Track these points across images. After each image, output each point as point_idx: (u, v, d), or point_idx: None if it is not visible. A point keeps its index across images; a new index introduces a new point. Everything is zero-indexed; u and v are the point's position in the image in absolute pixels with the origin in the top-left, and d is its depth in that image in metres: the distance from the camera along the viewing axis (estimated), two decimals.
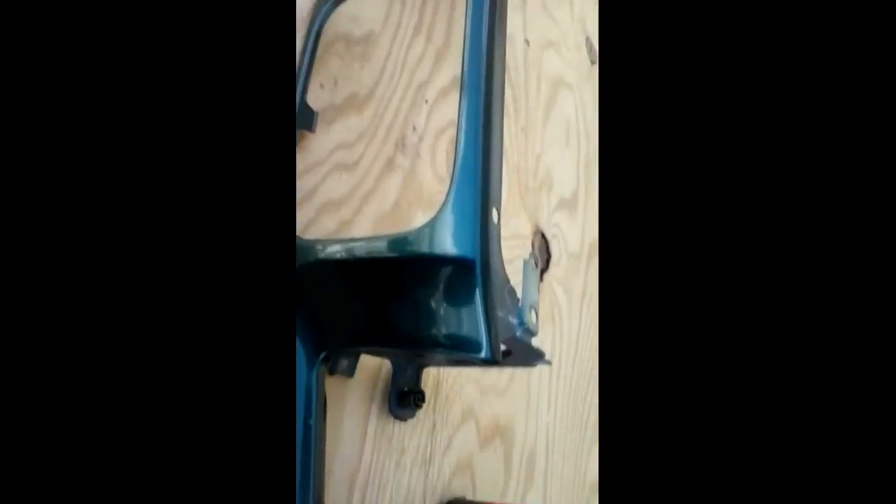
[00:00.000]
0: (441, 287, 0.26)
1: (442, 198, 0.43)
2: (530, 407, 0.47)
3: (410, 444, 0.36)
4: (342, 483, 0.31)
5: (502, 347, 0.27)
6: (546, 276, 0.54)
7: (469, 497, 0.38)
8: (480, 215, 0.26)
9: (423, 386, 0.36)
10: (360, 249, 0.27)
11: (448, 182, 0.45)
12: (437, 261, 0.26)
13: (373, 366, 0.34)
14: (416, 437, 0.36)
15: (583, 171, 0.65)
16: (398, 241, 0.27)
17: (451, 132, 0.47)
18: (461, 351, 0.26)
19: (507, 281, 0.28)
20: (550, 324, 0.52)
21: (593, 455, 0.54)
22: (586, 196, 0.64)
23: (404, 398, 0.34)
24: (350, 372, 0.32)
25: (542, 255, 0.55)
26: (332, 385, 0.31)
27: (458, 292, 0.26)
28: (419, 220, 0.42)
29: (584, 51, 0.73)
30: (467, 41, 0.30)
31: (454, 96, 0.48)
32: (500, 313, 0.26)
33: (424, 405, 0.36)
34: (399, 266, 0.27)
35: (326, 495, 0.28)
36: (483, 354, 0.25)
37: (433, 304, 0.27)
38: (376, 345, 0.28)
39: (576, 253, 0.60)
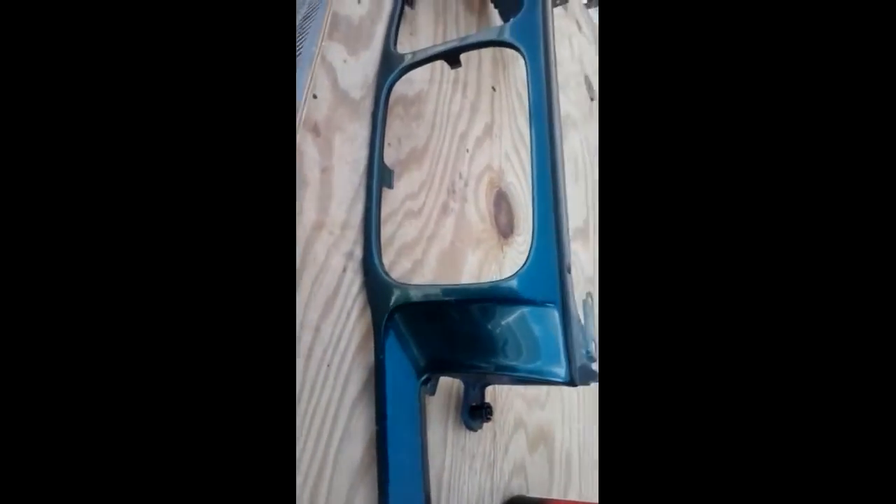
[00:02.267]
0: (529, 327, 0.32)
1: (485, 234, 0.49)
2: (565, 416, 0.53)
3: (479, 450, 0.42)
4: (433, 482, 0.37)
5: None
6: (597, 351, 0.60)
7: (524, 494, 0.44)
8: (559, 269, 0.31)
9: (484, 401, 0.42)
10: (456, 293, 0.33)
11: (489, 219, 0.51)
12: (525, 304, 0.31)
13: (447, 385, 0.40)
14: (483, 444, 0.42)
15: (591, 203, 0.72)
16: (492, 288, 0.32)
17: (487, 177, 0.53)
18: (546, 377, 0.32)
19: (580, 321, 0.34)
20: None
21: None
22: (595, 224, 0.71)
23: (475, 412, 0.40)
24: (432, 391, 0.38)
25: None
26: None
27: (544, 331, 0.31)
28: (469, 256, 0.48)
29: (584, 88, 0.81)
30: (532, 106, 0.35)
31: (487, 144, 0.55)
32: (575, 348, 0.32)
33: None
34: (491, 309, 0.32)
35: None
36: (565, 379, 0.31)
37: (522, 340, 0.32)
38: (475, 371, 0.34)
39: (590, 277, 0.66)
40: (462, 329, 0.33)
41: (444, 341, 0.34)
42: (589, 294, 0.36)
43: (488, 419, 0.41)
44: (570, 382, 0.31)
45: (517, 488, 0.44)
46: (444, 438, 0.39)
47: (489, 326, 0.32)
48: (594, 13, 1.06)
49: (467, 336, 0.33)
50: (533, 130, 0.34)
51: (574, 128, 0.74)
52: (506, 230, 0.53)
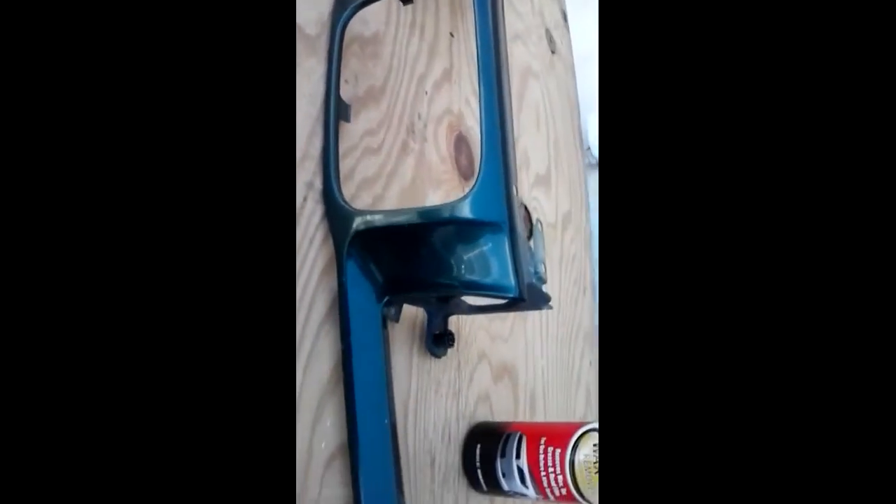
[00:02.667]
0: (478, 245, 0.33)
1: (445, 175, 0.50)
2: (528, 352, 0.55)
3: (444, 377, 0.43)
4: (399, 406, 0.38)
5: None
6: (546, 273, 0.62)
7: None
8: (505, 189, 0.33)
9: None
10: (411, 218, 0.34)
11: (449, 161, 0.52)
12: (474, 224, 0.33)
13: (411, 315, 0.41)
14: (448, 372, 0.43)
15: (552, 152, 0.73)
16: (442, 210, 0.33)
17: (447, 119, 0.54)
18: (497, 292, 0.33)
19: (526, 240, 0.35)
20: None
21: (580, 394, 0.63)
22: (556, 174, 0.73)
23: (439, 339, 0.41)
24: (396, 318, 0.39)
25: (526, 224, 0.63)
26: None
27: (492, 248, 0.33)
28: (430, 195, 0.49)
29: (545, 42, 0.81)
30: (479, 46, 0.36)
31: (446, 87, 0.55)
32: (523, 264, 0.33)
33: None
34: (444, 230, 0.33)
35: None
36: (513, 294, 0.33)
37: (472, 258, 0.34)
38: (430, 291, 0.35)
39: (552, 223, 0.68)
40: (418, 250, 0.34)
41: (401, 263, 0.34)
42: (539, 220, 0.37)
43: (451, 345, 0.42)
44: (520, 297, 0.32)
45: (482, 416, 0.46)
46: (409, 365, 0.40)
47: (442, 247, 0.33)
48: None
49: (423, 257, 0.34)
50: (480, 54, 0.35)
51: (535, 78, 0.74)
52: (466, 172, 0.53)
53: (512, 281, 0.32)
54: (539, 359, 0.56)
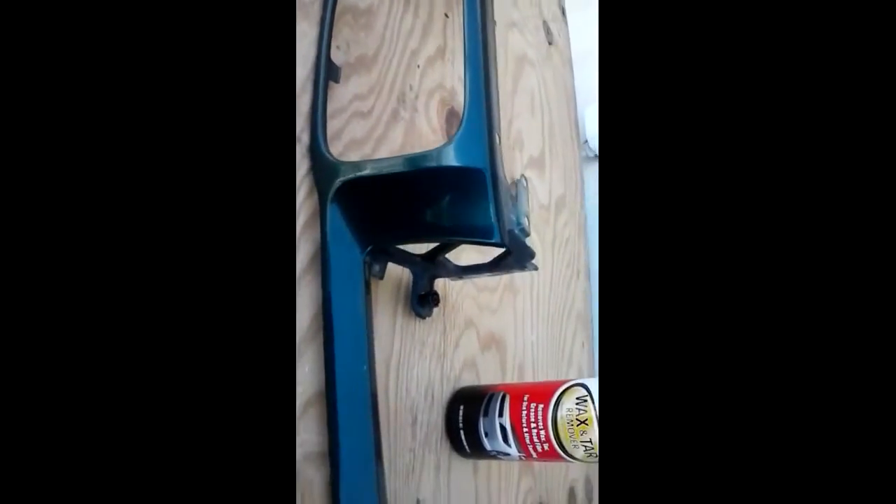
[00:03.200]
0: (461, 192, 0.34)
1: (435, 145, 0.50)
2: (517, 326, 0.55)
3: (428, 339, 0.43)
4: (381, 363, 0.38)
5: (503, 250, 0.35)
6: (530, 227, 0.62)
7: None
8: (488, 136, 0.33)
9: None
10: (394, 166, 0.34)
11: (440, 132, 0.52)
12: (457, 170, 0.33)
13: (396, 274, 0.41)
14: (433, 334, 0.43)
15: (547, 137, 0.74)
16: (425, 157, 0.34)
17: (439, 93, 0.55)
18: (479, 237, 0.34)
19: (508, 188, 0.35)
20: None
21: (571, 372, 0.62)
22: (551, 158, 0.73)
23: (423, 299, 0.42)
24: (381, 275, 0.39)
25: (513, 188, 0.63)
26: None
27: (475, 193, 0.33)
28: None
29: (542, 33, 0.82)
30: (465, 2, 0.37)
31: (439, 64, 0.56)
32: (504, 209, 0.33)
33: (436, 310, 0.44)
34: (426, 177, 0.34)
35: None
36: (496, 238, 0.33)
37: (455, 204, 0.34)
38: (412, 238, 0.35)
39: (545, 205, 0.68)
40: (401, 198, 0.34)
41: (384, 210, 0.35)
42: (523, 176, 0.37)
43: (436, 304, 0.42)
44: (501, 242, 0.32)
45: (468, 381, 0.46)
46: (392, 324, 0.40)
47: (425, 193, 0.34)
48: None
49: (406, 204, 0.34)
50: (465, 7, 0.36)
51: (531, 67, 0.75)
52: None
53: (493, 224, 0.32)
54: (529, 334, 0.56)
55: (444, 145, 0.33)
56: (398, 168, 0.34)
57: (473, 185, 0.33)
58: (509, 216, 0.33)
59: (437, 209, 0.34)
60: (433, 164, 0.33)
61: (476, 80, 0.34)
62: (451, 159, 0.33)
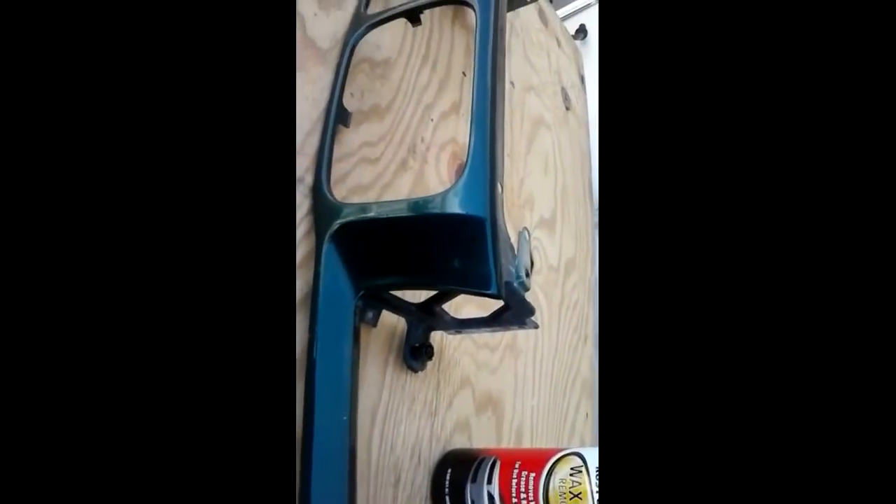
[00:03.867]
0: (460, 239, 0.33)
1: None
2: (517, 389, 0.52)
3: (419, 394, 0.41)
4: (365, 413, 0.36)
5: (501, 303, 0.33)
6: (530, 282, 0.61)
7: None
8: (489, 186, 0.33)
9: None
10: (393, 210, 0.34)
11: (449, 185, 0.52)
12: (457, 218, 0.32)
13: (391, 323, 0.40)
14: (424, 390, 0.41)
15: (559, 199, 0.74)
16: (425, 203, 0.33)
17: (451, 148, 0.55)
18: (475, 286, 0.32)
19: (508, 239, 0.34)
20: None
21: (573, 444, 0.59)
22: (562, 220, 0.72)
23: (417, 352, 0.40)
24: (374, 322, 0.38)
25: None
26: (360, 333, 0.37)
27: (473, 242, 0.32)
28: None
29: (560, 98, 0.83)
30: (476, 54, 0.37)
31: (453, 119, 0.56)
32: (503, 260, 0.32)
33: (430, 365, 0.42)
34: (425, 223, 0.33)
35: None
36: (492, 290, 0.32)
37: (453, 252, 0.33)
38: (407, 284, 0.34)
39: (554, 266, 0.67)
40: (399, 242, 0.33)
41: (381, 254, 0.34)
42: (525, 229, 0.36)
43: (429, 358, 0.40)
44: (498, 294, 0.31)
45: (460, 444, 0.43)
46: (382, 375, 0.38)
47: (423, 239, 0.33)
48: (581, 44, 1.11)
49: (403, 249, 0.33)
50: (476, 63, 0.36)
51: (548, 130, 0.76)
52: None
53: (491, 274, 0.31)
54: (529, 398, 0.53)
55: (446, 192, 0.33)
56: (398, 212, 0.33)
57: (472, 233, 0.32)
58: (508, 267, 0.32)
59: (435, 256, 0.33)
60: (433, 209, 0.32)
61: (481, 127, 0.34)
62: (451, 206, 0.32)
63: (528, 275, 0.35)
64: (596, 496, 0.32)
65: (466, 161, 0.33)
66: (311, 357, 0.32)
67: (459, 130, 0.56)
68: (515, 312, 0.36)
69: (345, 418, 0.32)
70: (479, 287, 0.32)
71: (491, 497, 0.36)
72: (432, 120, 0.53)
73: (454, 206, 0.32)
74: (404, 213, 0.33)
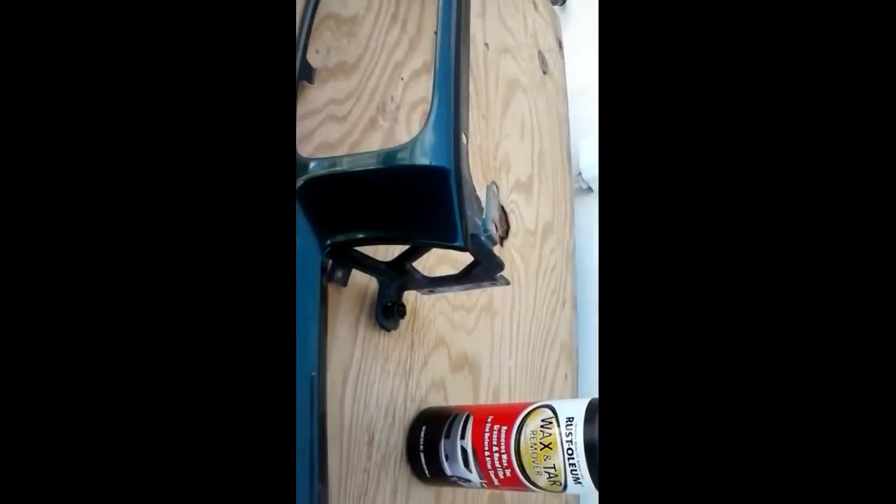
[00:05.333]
0: (424, 190, 0.32)
1: None
2: (494, 350, 0.52)
3: (393, 354, 0.40)
4: (337, 372, 0.36)
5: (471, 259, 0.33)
6: (506, 244, 0.60)
7: None
8: (454, 136, 0.32)
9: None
10: (357, 163, 0.33)
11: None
12: (421, 169, 0.32)
13: (362, 283, 0.39)
14: (398, 349, 0.41)
15: (536, 162, 0.73)
16: (389, 155, 0.32)
17: (423, 107, 0.54)
18: (440, 239, 0.32)
19: (474, 190, 0.34)
20: (512, 284, 0.58)
21: None
22: (539, 184, 0.72)
23: (388, 311, 0.39)
24: (344, 282, 0.37)
25: (503, 224, 0.62)
26: (329, 292, 0.36)
27: (438, 194, 0.32)
28: None
29: (537, 61, 0.82)
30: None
31: (425, 78, 0.55)
32: (468, 212, 0.32)
33: (404, 325, 0.42)
34: (389, 175, 0.32)
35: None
36: (458, 242, 0.31)
37: (418, 204, 0.32)
38: (372, 239, 0.34)
39: (531, 230, 0.66)
40: (364, 195, 0.33)
41: (347, 208, 0.33)
42: (494, 182, 0.36)
43: (402, 316, 0.40)
44: (464, 246, 0.30)
45: (436, 403, 0.43)
46: (353, 333, 0.38)
47: (388, 191, 0.32)
48: (560, 10, 1.09)
49: (368, 201, 0.33)
50: (440, 15, 0.35)
51: (523, 92, 0.75)
52: None
53: (456, 226, 0.30)
54: (507, 359, 0.53)
55: (409, 142, 0.32)
56: (360, 165, 0.32)
57: (437, 184, 0.31)
58: (474, 220, 0.32)
59: (400, 208, 0.32)
60: (395, 161, 0.32)
61: (444, 78, 0.33)
62: (414, 156, 0.31)
63: (497, 228, 0.35)
64: (566, 446, 0.32)
65: (430, 111, 0.33)
66: None
67: (430, 90, 0.55)
68: (485, 267, 0.36)
69: (313, 374, 0.31)
70: (444, 239, 0.31)
71: (464, 451, 0.36)
72: (402, 79, 0.52)
73: (417, 157, 0.31)
74: (366, 166, 0.32)
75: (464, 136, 0.32)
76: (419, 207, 0.32)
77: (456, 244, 0.31)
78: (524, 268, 0.62)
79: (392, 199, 0.32)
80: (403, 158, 0.31)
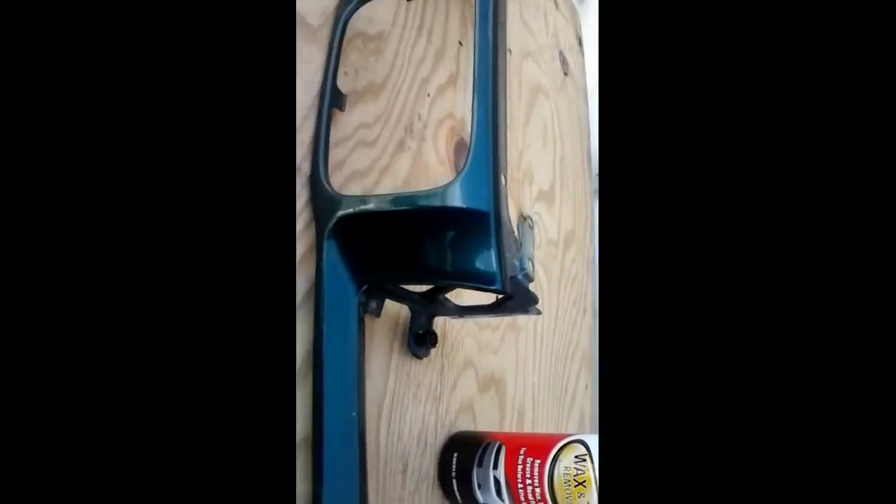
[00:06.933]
0: (463, 233, 0.32)
1: (443, 178, 0.49)
2: (518, 366, 0.53)
3: (424, 380, 0.41)
4: (372, 405, 0.36)
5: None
6: (534, 272, 0.61)
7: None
8: (493, 178, 0.32)
9: None
10: (395, 203, 0.33)
11: (448, 164, 0.51)
12: (460, 212, 0.32)
13: (394, 311, 0.40)
14: (429, 375, 0.41)
15: (558, 170, 0.73)
16: (428, 196, 0.32)
17: (449, 123, 0.53)
18: (478, 282, 0.32)
19: (512, 232, 0.34)
20: None
21: (573, 415, 0.60)
22: (561, 192, 0.71)
23: (421, 339, 0.40)
24: (377, 312, 0.37)
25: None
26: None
27: (477, 237, 0.32)
28: None
29: (558, 63, 0.81)
30: (477, 35, 0.36)
31: (451, 92, 0.54)
32: (507, 254, 0.32)
33: (434, 350, 0.42)
34: (427, 216, 0.32)
35: None
36: (496, 286, 0.31)
37: (457, 246, 0.32)
38: (410, 280, 0.34)
39: (554, 240, 0.66)
40: (400, 237, 0.33)
41: (383, 249, 0.33)
42: (528, 217, 0.36)
43: (433, 345, 0.40)
44: (503, 289, 0.31)
45: (464, 426, 0.44)
46: (387, 363, 0.38)
47: (426, 234, 0.32)
48: (578, 4, 1.07)
49: (405, 243, 0.33)
50: (476, 42, 0.34)
51: (545, 97, 0.74)
52: None
53: (495, 271, 0.30)
54: (531, 374, 0.54)
55: (448, 185, 0.32)
56: (399, 205, 0.32)
57: (476, 228, 0.31)
58: (512, 262, 0.32)
59: (438, 250, 0.33)
60: (435, 203, 0.32)
61: (484, 118, 0.33)
62: (454, 200, 0.31)
63: (532, 265, 0.35)
64: (598, 484, 0.32)
65: (468, 152, 0.32)
66: (317, 354, 0.32)
67: (457, 104, 0.55)
68: (519, 301, 0.36)
69: (354, 414, 0.32)
70: (484, 283, 0.31)
71: (497, 482, 0.36)
72: (429, 95, 0.51)
73: (456, 200, 0.31)
74: (404, 207, 0.32)
75: (503, 178, 0.32)
76: (458, 251, 0.32)
77: (494, 288, 0.31)
78: (546, 281, 0.62)
79: (429, 240, 0.32)
80: (441, 200, 0.31)
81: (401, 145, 0.46)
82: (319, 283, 0.33)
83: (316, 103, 0.39)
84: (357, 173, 0.41)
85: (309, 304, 0.33)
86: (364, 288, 0.33)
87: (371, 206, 0.33)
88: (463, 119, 0.55)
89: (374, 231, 0.33)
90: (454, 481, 0.39)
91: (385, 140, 0.45)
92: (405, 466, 0.38)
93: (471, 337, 0.47)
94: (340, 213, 0.33)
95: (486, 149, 0.32)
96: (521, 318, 0.54)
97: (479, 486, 0.37)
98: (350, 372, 0.32)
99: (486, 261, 0.31)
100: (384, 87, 0.46)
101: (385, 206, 0.33)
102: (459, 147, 0.53)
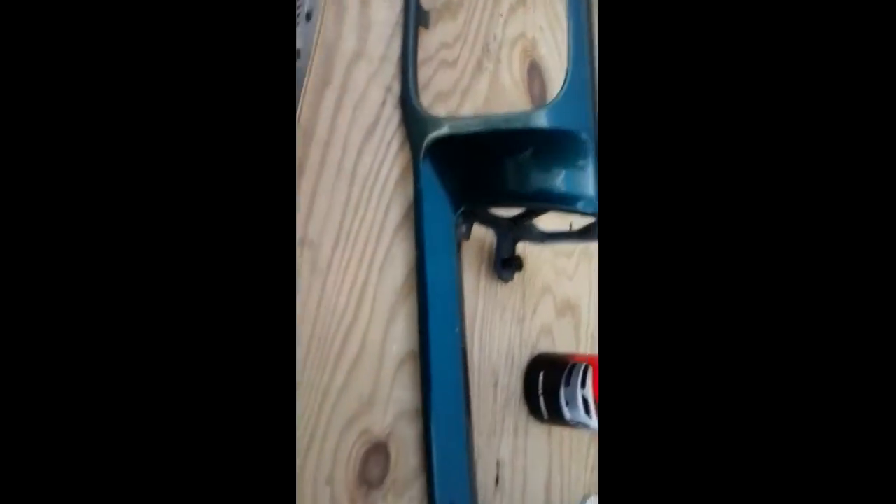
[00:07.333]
0: (560, 156, 0.32)
1: (519, 102, 0.48)
2: (592, 293, 0.53)
3: (508, 303, 0.42)
4: (466, 325, 0.37)
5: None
6: None
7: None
8: (591, 100, 0.31)
9: None
10: (494, 123, 0.32)
11: (522, 86, 0.49)
12: (560, 134, 0.31)
13: (480, 235, 0.40)
14: (513, 298, 0.42)
15: None
16: (526, 117, 0.32)
17: (521, 44, 0.51)
18: (574, 204, 0.31)
19: None
20: None
21: None
22: None
23: (507, 263, 0.40)
24: (467, 236, 0.38)
25: None
26: None
27: (574, 160, 0.31)
28: None
29: None
30: None
31: (521, 12, 0.52)
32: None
33: (516, 275, 0.42)
34: (526, 138, 0.32)
35: None
36: (592, 207, 0.31)
37: (552, 169, 0.32)
38: (506, 202, 0.34)
39: None
40: (496, 159, 0.32)
41: (478, 171, 0.33)
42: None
43: (519, 269, 0.41)
44: (597, 212, 0.30)
45: (545, 347, 0.45)
46: (476, 286, 0.39)
47: (522, 156, 0.32)
48: None
49: (501, 165, 0.32)
50: None
51: None
52: (538, 100, 0.51)
53: (591, 192, 0.30)
54: None
55: (544, 106, 0.31)
56: (498, 125, 0.32)
57: (575, 150, 0.31)
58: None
59: (534, 173, 0.32)
60: (537, 123, 0.31)
61: (579, 37, 0.31)
62: (551, 121, 0.30)
63: None
64: None
65: (566, 73, 0.31)
66: (421, 274, 0.32)
67: (528, 24, 0.53)
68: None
69: (457, 330, 0.32)
70: (577, 204, 0.31)
71: (585, 401, 0.37)
72: (501, 15, 0.49)
73: (555, 121, 0.30)
74: (503, 127, 0.32)
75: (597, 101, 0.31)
76: (553, 172, 0.31)
77: (588, 210, 0.31)
78: None
79: (525, 162, 0.32)
80: (540, 121, 0.31)
81: (479, 66, 0.45)
82: (418, 205, 0.33)
83: (400, 20, 0.38)
84: (441, 94, 0.40)
85: (408, 224, 0.34)
86: (461, 210, 0.33)
87: (466, 127, 0.32)
88: (534, 39, 0.53)
89: (470, 153, 0.33)
90: (541, 398, 0.40)
91: (465, 60, 0.43)
92: (496, 381, 0.39)
93: (548, 263, 0.47)
94: (435, 134, 0.33)
95: (584, 70, 0.31)
96: (594, 245, 0.54)
97: (567, 404, 0.38)
98: (451, 290, 0.33)
99: (583, 183, 0.30)
100: (461, 6, 0.45)
101: (481, 128, 0.32)
102: (532, 70, 0.52)
